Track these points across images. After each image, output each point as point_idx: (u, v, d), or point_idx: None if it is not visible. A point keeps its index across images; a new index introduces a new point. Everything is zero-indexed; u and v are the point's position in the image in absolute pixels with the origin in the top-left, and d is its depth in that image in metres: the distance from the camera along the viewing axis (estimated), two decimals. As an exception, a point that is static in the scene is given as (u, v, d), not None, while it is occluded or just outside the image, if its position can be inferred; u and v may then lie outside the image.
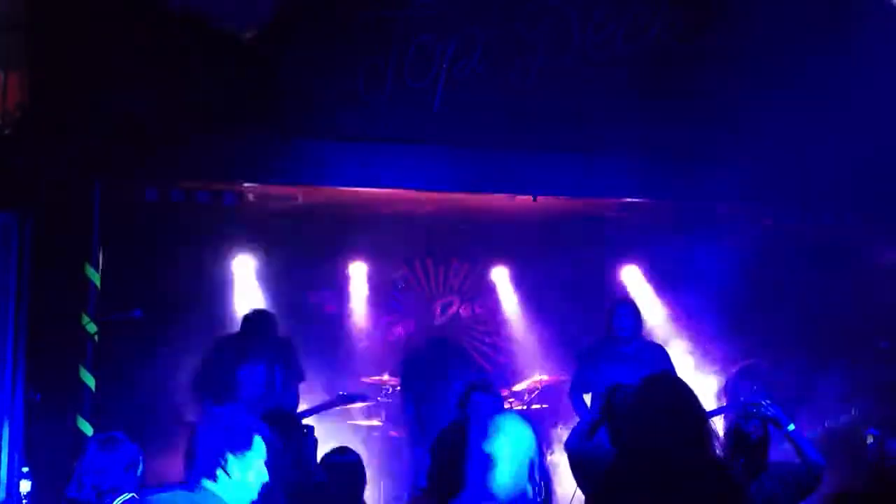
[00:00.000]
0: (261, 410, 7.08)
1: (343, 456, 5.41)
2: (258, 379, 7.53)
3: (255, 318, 7.84)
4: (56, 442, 6.86)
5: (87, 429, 6.96)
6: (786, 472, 4.96)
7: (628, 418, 4.03)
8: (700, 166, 7.67)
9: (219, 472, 3.54)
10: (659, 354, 7.32)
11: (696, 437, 3.79)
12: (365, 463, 5.42)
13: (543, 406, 8.55)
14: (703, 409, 3.94)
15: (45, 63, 6.99)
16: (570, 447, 5.26)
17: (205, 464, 3.55)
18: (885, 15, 7.36)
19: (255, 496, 3.65)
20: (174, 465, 7.04)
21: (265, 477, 3.66)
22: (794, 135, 7.62)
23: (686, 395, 3.89)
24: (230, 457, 3.55)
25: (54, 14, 6.90)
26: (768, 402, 5.36)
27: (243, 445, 3.59)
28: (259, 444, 3.65)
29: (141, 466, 4.52)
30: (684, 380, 4.06)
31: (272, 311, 8.08)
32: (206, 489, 3.54)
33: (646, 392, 3.96)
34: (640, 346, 7.36)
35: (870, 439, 6.34)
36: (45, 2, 6.89)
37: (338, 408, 8.14)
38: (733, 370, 8.07)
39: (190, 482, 3.57)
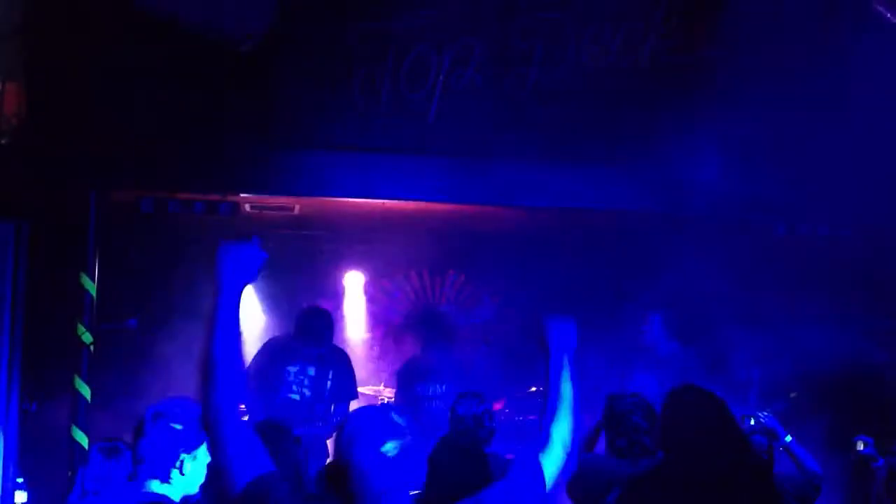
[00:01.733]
0: (304, 415, 7.10)
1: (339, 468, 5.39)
2: (305, 381, 7.45)
3: (312, 317, 7.72)
4: (51, 452, 6.86)
5: (83, 438, 6.95)
6: (786, 482, 4.97)
7: (667, 427, 4.05)
8: (696, 178, 7.68)
9: (173, 473, 3.51)
10: (691, 357, 7.36)
11: (736, 442, 3.83)
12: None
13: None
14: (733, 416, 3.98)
15: (42, 72, 7.00)
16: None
17: (155, 466, 3.52)
18: (880, 29, 7.39)
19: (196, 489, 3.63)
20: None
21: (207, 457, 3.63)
22: (791, 147, 7.65)
23: (718, 402, 3.95)
24: (184, 457, 3.53)
25: (52, 23, 6.91)
26: (765, 413, 5.38)
27: (194, 444, 3.56)
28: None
29: None
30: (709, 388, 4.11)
31: (261, 320, 8.02)
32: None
33: (678, 400, 4.01)
34: (673, 351, 7.39)
35: (861, 446, 6.30)
36: (43, 11, 6.90)
37: None
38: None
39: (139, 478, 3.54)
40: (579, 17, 7.58)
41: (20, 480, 6.71)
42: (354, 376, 7.83)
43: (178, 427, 3.54)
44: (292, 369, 7.49)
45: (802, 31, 7.58)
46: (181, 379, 7.84)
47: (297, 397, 7.46)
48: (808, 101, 7.50)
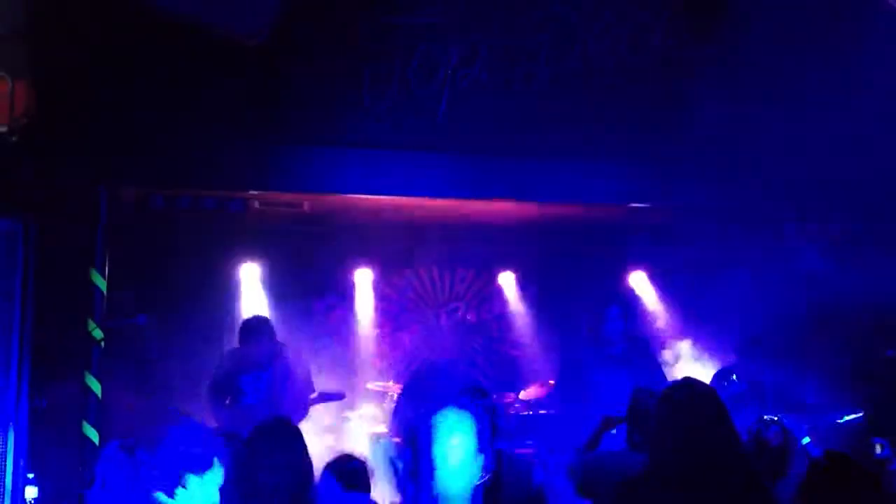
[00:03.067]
0: (263, 418, 7.12)
1: (348, 463, 5.41)
2: (259, 385, 7.54)
3: (250, 325, 7.82)
4: (62, 447, 6.88)
5: (94, 435, 6.98)
6: None
7: (660, 423, 4.03)
8: (703, 173, 7.67)
9: (178, 490, 3.57)
10: (644, 349, 7.30)
11: (726, 437, 3.82)
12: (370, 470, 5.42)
13: (550, 412, 8.54)
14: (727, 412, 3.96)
15: (51, 71, 7.02)
16: (576, 463, 5.26)
17: (164, 479, 3.57)
18: (887, 22, 7.34)
19: None
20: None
21: (216, 498, 3.67)
22: (798, 142, 7.62)
23: (712, 398, 3.93)
24: (190, 476, 3.57)
25: (60, 22, 6.92)
26: (779, 417, 5.38)
27: (203, 466, 3.61)
28: (217, 464, 3.68)
29: None
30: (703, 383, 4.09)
31: (271, 317, 8.07)
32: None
33: (673, 396, 3.99)
34: (626, 346, 7.30)
35: (878, 449, 6.25)
36: (51, 10, 6.91)
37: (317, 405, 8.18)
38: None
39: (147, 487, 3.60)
40: (586, 13, 7.57)
41: (31, 476, 6.75)
42: (303, 370, 7.85)
43: (190, 450, 3.59)
44: (246, 377, 7.57)
45: (810, 25, 7.55)
46: (190, 374, 7.89)
47: (253, 402, 7.52)
48: (817, 95, 7.47)
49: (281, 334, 7.97)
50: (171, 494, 3.56)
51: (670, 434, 3.84)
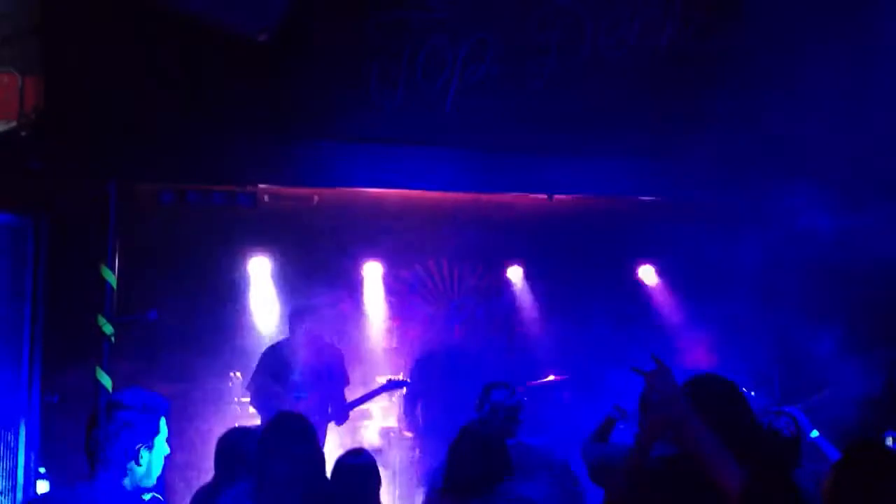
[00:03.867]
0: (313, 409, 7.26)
1: (357, 458, 5.43)
2: (308, 375, 7.71)
3: (301, 312, 7.95)
4: (74, 442, 6.90)
5: (105, 429, 7.00)
6: (820, 473, 4.95)
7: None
8: (714, 166, 7.65)
9: (130, 465, 3.50)
10: None
11: (748, 427, 3.82)
12: (380, 464, 5.44)
13: (563, 403, 8.56)
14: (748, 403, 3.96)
15: (61, 66, 7.03)
16: (585, 451, 5.27)
17: (115, 465, 3.50)
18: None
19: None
20: (192, 463, 7.14)
21: (166, 449, 3.63)
22: (811, 134, 7.58)
23: (733, 388, 3.93)
24: (142, 450, 3.52)
25: (70, 18, 6.93)
26: (789, 409, 5.37)
27: (151, 434, 3.55)
28: (163, 423, 3.61)
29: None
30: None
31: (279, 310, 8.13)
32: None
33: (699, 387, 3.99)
34: None
35: (890, 441, 6.23)
36: (61, 6, 6.93)
37: (385, 393, 8.34)
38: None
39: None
40: (596, 7, 7.54)
41: (42, 470, 6.78)
42: (342, 363, 7.99)
43: (133, 419, 3.50)
44: (297, 367, 7.61)
45: (821, 18, 7.51)
46: (200, 369, 7.92)
47: (304, 395, 7.57)
48: (830, 87, 7.44)
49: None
50: (124, 473, 3.50)
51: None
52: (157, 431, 3.54)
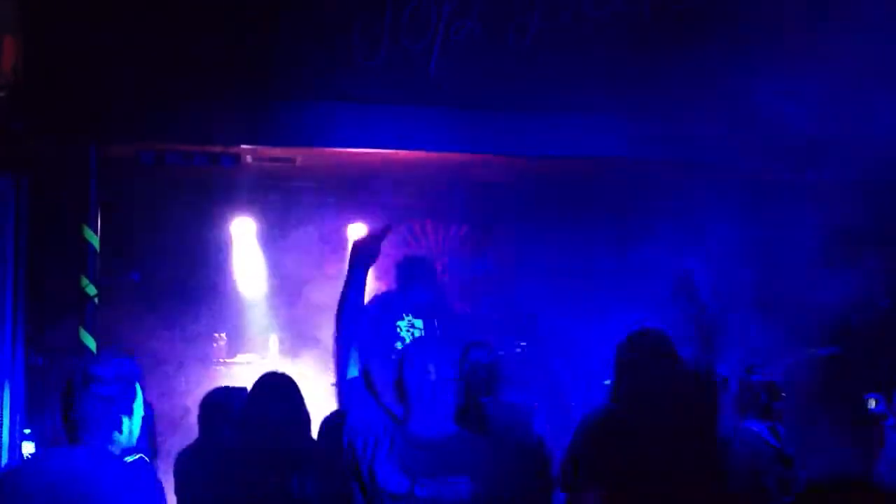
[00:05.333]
0: None
1: (341, 419, 5.45)
2: (415, 332, 7.60)
3: (413, 264, 7.84)
4: (58, 404, 6.91)
5: (89, 390, 7.00)
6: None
7: (622, 371, 4.09)
8: (700, 126, 7.63)
9: (113, 434, 3.49)
10: None
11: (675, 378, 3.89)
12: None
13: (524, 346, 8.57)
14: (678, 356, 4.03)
15: (40, 25, 6.94)
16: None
17: (99, 436, 3.48)
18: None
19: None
20: (177, 424, 7.15)
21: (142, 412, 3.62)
22: (795, 94, 7.57)
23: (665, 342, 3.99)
24: (123, 419, 3.51)
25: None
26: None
27: (130, 402, 3.56)
28: (139, 387, 3.60)
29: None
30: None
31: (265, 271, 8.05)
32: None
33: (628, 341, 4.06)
34: None
35: (873, 403, 6.26)
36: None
37: None
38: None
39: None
40: (580, -36, 7.50)
41: (27, 432, 6.79)
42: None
43: (111, 393, 3.49)
44: (402, 323, 7.52)
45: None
46: (184, 329, 7.91)
47: None
48: (816, 47, 7.42)
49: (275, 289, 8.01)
50: (110, 442, 3.50)
51: (626, 377, 3.92)
52: (134, 397, 3.54)
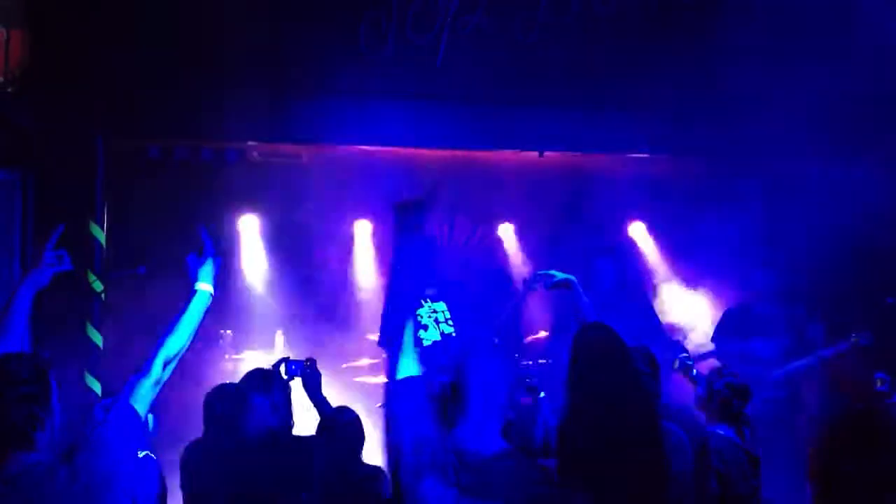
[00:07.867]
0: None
1: (341, 416, 5.46)
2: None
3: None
4: (65, 398, 6.90)
5: (96, 385, 7.01)
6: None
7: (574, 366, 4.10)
8: (705, 122, 7.62)
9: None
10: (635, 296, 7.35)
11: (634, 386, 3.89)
12: (371, 420, 5.47)
13: (549, 361, 8.56)
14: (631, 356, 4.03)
15: (47, 20, 6.95)
16: None
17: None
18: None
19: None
20: (184, 421, 7.14)
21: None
22: (803, 90, 7.54)
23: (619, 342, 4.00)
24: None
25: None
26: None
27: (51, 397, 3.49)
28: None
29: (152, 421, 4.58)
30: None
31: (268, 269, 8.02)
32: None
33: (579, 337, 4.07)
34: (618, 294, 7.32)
35: (879, 383, 6.21)
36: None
37: None
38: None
39: None
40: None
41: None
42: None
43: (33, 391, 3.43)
44: (422, 311, 7.48)
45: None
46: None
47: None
48: (820, 41, 7.40)
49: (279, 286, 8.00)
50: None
51: (576, 375, 3.92)
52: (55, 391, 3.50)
